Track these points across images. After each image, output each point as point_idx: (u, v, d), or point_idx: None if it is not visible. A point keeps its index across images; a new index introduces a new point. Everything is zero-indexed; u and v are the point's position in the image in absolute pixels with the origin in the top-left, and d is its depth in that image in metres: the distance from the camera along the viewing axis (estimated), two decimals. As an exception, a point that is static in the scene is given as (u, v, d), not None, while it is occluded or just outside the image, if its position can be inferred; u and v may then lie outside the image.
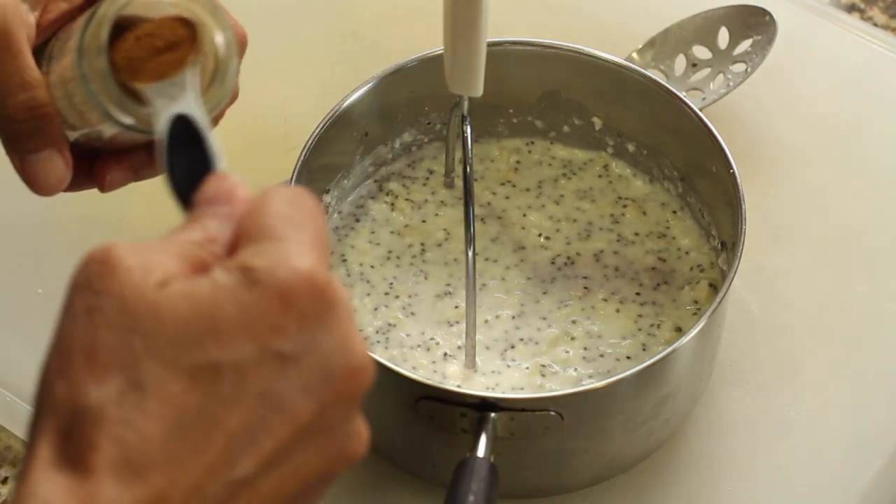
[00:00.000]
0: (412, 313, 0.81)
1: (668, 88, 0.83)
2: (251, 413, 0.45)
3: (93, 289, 0.46)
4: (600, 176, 0.87)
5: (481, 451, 0.69)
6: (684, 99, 0.82)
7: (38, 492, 0.44)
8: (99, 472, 0.43)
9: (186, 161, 0.54)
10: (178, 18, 0.60)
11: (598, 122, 0.87)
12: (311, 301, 0.46)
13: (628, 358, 0.78)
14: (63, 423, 0.44)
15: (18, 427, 0.81)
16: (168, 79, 0.59)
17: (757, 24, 0.92)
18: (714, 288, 0.81)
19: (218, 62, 0.60)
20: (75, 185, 0.68)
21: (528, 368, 0.78)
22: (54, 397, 0.45)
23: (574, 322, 0.80)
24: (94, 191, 0.91)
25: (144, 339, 0.45)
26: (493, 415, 0.70)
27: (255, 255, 0.47)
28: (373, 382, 0.70)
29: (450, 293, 0.82)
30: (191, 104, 0.57)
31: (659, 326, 0.80)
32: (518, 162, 0.88)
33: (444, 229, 0.85)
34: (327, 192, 0.83)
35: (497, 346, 0.79)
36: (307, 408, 0.46)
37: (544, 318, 0.80)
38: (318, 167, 0.81)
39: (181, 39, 0.60)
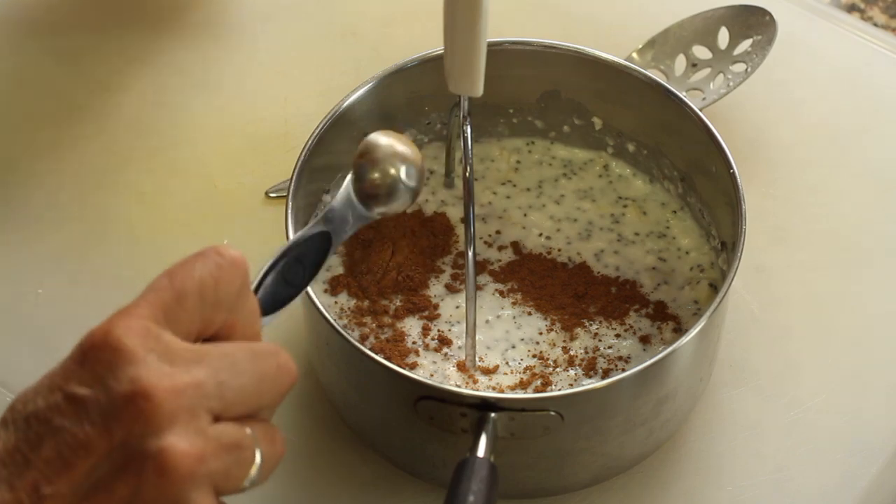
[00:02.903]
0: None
1: (668, 88, 0.82)
2: (54, 447, 0.53)
3: None
4: (600, 176, 0.87)
5: (481, 451, 0.69)
6: (684, 99, 0.82)
7: None
8: None
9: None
10: None
11: (598, 122, 0.87)
12: (97, 352, 0.53)
13: (628, 358, 0.78)
14: None
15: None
16: None
17: (757, 24, 0.92)
18: (714, 288, 0.81)
19: None
20: None
21: (528, 368, 0.78)
22: None
23: (575, 322, 0.80)
24: (94, 190, 0.91)
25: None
26: (493, 415, 0.70)
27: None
28: (374, 383, 0.70)
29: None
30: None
31: (659, 327, 0.80)
32: (518, 162, 0.88)
33: (445, 229, 0.85)
34: (327, 192, 0.83)
35: (497, 346, 0.79)
36: (99, 436, 0.52)
37: (545, 318, 0.80)
38: (318, 167, 0.80)
39: None
